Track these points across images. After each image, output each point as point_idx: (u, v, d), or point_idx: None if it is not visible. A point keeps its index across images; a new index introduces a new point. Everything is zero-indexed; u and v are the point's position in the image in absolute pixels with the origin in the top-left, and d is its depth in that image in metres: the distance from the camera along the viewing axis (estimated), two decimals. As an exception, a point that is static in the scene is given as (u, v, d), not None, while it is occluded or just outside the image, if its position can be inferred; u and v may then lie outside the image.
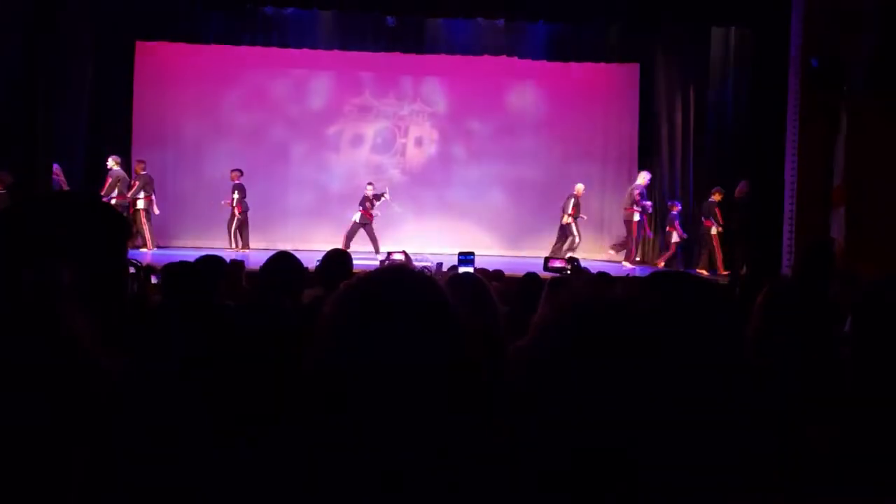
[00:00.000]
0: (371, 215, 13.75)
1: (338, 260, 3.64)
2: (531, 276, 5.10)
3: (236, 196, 13.76)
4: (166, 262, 6.12)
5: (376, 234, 13.61)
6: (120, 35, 13.65)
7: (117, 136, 13.94)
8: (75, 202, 1.40)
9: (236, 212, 13.77)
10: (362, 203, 13.79)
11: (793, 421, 1.98)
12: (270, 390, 2.20)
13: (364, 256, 11.36)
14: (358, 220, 13.71)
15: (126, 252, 1.44)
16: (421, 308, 1.13)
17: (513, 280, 6.87)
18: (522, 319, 4.62)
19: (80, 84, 13.02)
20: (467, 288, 2.45)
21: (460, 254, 4.16)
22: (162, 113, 14.57)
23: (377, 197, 13.93)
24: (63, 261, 1.23)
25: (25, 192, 11.80)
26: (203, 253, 5.59)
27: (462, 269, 3.88)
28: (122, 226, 1.42)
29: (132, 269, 1.43)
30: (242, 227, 13.86)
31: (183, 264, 3.73)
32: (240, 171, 13.96)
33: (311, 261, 6.63)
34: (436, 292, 1.18)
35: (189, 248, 13.67)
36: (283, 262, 3.43)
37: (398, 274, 1.17)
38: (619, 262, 13.92)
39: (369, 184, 14.01)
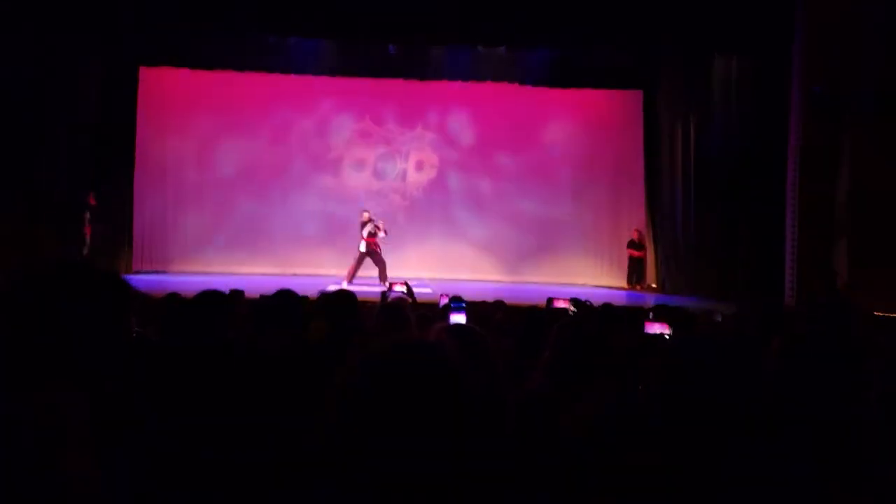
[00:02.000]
0: (377, 244, 13.04)
1: (343, 300, 3.58)
2: (535, 311, 5.02)
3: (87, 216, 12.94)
4: (160, 290, 6.09)
5: (384, 260, 13.00)
6: (124, 60, 13.69)
7: (120, 159, 13.95)
8: (75, 274, 1.34)
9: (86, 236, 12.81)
10: (363, 230, 13.01)
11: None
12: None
13: (365, 283, 11.30)
14: (363, 250, 12.96)
15: (129, 319, 1.37)
16: (437, 393, 1.08)
17: (514, 310, 6.80)
18: (526, 354, 4.53)
19: (84, 109, 13.01)
20: (465, 342, 2.38)
21: (452, 300, 4.09)
22: (164, 137, 14.57)
23: (378, 228, 13.08)
24: (68, 384, 1.18)
25: (29, 214, 11.82)
26: (203, 278, 5.57)
27: (454, 317, 3.79)
28: (124, 294, 1.36)
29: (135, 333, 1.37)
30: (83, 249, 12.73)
31: (185, 303, 3.66)
32: (93, 192, 13.19)
33: (311, 286, 6.59)
34: (451, 372, 1.12)
35: (192, 273, 13.70)
36: (283, 301, 3.36)
37: (413, 356, 1.11)
38: (620, 288, 13.93)
39: (364, 211, 13.40)
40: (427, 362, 1.10)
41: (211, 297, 4.11)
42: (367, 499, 1.02)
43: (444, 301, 7.38)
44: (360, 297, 4.06)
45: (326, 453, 1.07)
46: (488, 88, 14.75)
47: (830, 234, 10.40)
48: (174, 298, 4.21)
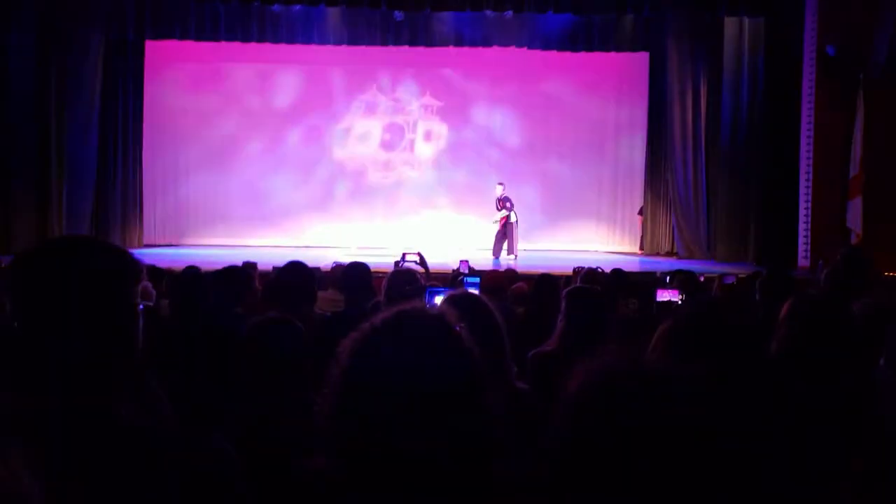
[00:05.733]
0: (503, 219, 13.35)
1: (359, 272, 3.59)
2: (546, 278, 5.02)
3: None
4: (168, 263, 6.11)
5: (513, 235, 13.32)
6: (129, 35, 13.60)
7: (128, 134, 13.95)
8: (79, 248, 1.34)
9: None
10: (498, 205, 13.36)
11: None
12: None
13: (377, 253, 11.31)
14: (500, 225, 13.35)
15: (134, 294, 1.37)
16: (439, 361, 1.08)
17: (525, 278, 6.81)
18: (537, 322, 4.54)
19: (91, 85, 12.98)
20: (469, 310, 2.37)
21: (468, 274, 4.12)
22: (172, 109, 14.53)
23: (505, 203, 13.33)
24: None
25: (39, 191, 11.89)
26: (215, 251, 5.57)
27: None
28: (129, 268, 1.36)
29: (141, 307, 1.36)
30: None
31: (196, 279, 3.67)
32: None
33: (320, 260, 6.59)
34: (453, 342, 1.13)
35: (204, 245, 13.77)
36: (294, 274, 3.38)
37: (415, 328, 1.12)
38: (633, 253, 13.90)
39: (500, 184, 13.60)
40: (429, 334, 1.11)
41: (227, 274, 4.14)
42: (371, 473, 1.03)
43: (465, 268, 7.37)
44: (373, 269, 4.08)
45: (326, 427, 1.08)
46: (495, 54, 14.55)
47: (844, 195, 10.30)
48: (191, 272, 4.23)
